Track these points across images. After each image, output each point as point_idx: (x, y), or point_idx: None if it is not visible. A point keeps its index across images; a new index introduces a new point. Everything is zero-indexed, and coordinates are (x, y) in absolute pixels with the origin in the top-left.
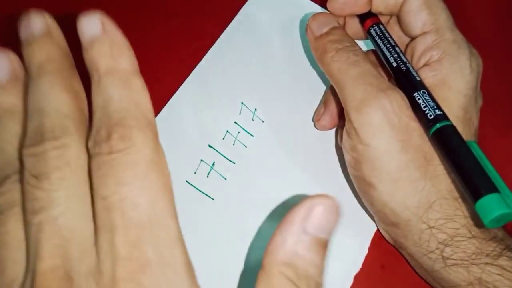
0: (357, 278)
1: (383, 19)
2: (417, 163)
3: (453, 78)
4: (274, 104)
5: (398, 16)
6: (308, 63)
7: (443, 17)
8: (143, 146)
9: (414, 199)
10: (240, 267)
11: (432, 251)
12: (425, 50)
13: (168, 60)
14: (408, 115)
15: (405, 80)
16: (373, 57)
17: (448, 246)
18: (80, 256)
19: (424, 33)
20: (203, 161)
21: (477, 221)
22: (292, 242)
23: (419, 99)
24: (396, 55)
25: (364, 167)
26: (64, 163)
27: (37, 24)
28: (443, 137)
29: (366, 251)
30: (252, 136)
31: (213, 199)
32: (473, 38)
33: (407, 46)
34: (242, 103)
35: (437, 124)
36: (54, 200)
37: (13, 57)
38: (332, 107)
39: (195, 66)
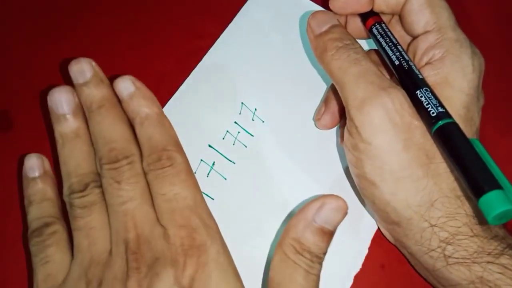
0: (357, 278)
1: (384, 18)
2: (419, 162)
3: (455, 76)
4: (274, 104)
5: (400, 15)
6: (308, 63)
7: (445, 16)
8: (181, 161)
9: (416, 198)
10: (240, 266)
11: (433, 250)
12: (427, 49)
13: (168, 60)
14: (410, 113)
15: (408, 78)
16: (374, 56)
17: (449, 244)
18: (152, 228)
19: (426, 32)
20: (203, 161)
21: (479, 220)
22: (303, 226)
23: (421, 96)
24: (398, 53)
25: (366, 166)
26: (135, 173)
27: (89, 71)
28: (446, 134)
29: (366, 251)
30: (252, 136)
31: (213, 199)
32: (475, 37)
33: (409, 45)
34: (242, 103)
35: (440, 122)
36: (132, 196)
37: (75, 94)
38: (333, 106)
39: (195, 66)
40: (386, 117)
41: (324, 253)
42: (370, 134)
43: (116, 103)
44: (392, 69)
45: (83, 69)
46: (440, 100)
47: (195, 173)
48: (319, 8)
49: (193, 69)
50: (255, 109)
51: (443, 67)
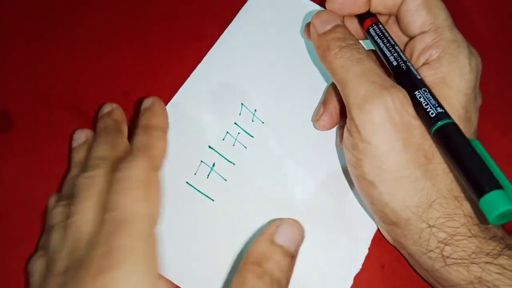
0: (357, 278)
1: (381, 19)
2: (418, 162)
3: (452, 76)
4: (274, 105)
5: (396, 16)
6: (308, 64)
7: (442, 16)
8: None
9: (414, 198)
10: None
11: (432, 250)
12: (424, 49)
13: (168, 61)
14: (410, 113)
15: (406, 79)
16: (374, 56)
17: (448, 245)
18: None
19: (423, 32)
20: (203, 162)
21: (478, 219)
22: (262, 247)
23: (420, 97)
24: (396, 54)
25: (365, 166)
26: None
27: (107, 108)
28: (446, 134)
29: (366, 251)
30: (252, 137)
31: (213, 200)
32: (473, 37)
33: (405, 45)
34: (242, 104)
35: (439, 122)
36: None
37: (86, 131)
38: (332, 107)
39: (195, 67)
40: (386, 116)
41: (288, 279)
42: (370, 133)
43: (114, 129)
44: (390, 70)
45: (105, 108)
46: (438, 101)
47: (195, 174)
48: (319, 8)
49: (193, 70)
50: (255, 110)
51: (440, 67)
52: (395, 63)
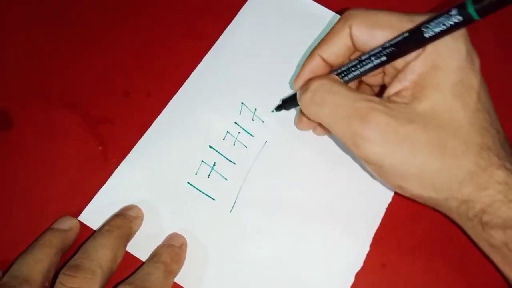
0: (358, 276)
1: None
2: (432, 158)
3: (442, 57)
4: (274, 104)
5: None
6: None
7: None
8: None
9: (445, 184)
10: (241, 267)
11: (471, 219)
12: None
13: (168, 61)
14: (401, 124)
15: (406, 45)
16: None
17: (486, 213)
18: None
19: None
20: (204, 162)
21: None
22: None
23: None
24: (373, 57)
25: (387, 176)
26: None
27: (65, 224)
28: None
29: (367, 249)
30: (252, 136)
31: (214, 199)
32: (472, 37)
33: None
34: (242, 103)
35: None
36: None
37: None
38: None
39: (195, 67)
40: (382, 141)
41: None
42: (378, 161)
43: (57, 246)
44: (386, 64)
45: (63, 222)
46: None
47: (196, 174)
48: (319, 7)
49: (193, 69)
50: (255, 109)
51: (433, 52)
52: (383, 58)
